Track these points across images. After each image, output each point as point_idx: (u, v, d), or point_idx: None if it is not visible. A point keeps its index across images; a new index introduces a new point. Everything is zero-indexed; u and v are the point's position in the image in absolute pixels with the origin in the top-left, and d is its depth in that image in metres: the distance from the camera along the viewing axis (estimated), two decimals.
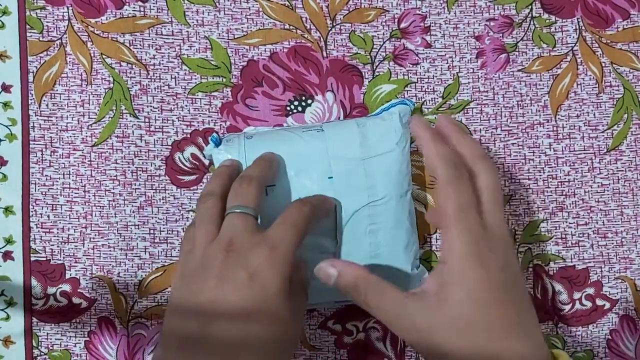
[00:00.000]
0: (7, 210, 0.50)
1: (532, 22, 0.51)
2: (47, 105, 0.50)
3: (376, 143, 0.46)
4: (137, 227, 0.50)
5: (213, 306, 0.38)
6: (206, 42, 0.50)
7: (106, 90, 0.50)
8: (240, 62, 0.50)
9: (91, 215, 0.49)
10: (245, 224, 0.40)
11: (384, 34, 0.50)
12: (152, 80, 0.50)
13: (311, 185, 0.45)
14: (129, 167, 0.50)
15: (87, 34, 0.50)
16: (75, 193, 0.50)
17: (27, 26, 0.50)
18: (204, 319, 0.38)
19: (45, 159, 0.50)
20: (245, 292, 0.38)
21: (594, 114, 0.51)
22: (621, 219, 0.50)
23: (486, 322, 0.37)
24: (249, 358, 0.38)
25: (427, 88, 0.51)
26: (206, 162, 0.50)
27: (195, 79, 0.50)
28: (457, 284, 0.38)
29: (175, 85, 0.50)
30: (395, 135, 0.46)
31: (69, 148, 0.50)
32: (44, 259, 0.50)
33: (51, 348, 0.50)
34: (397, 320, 0.39)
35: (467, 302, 0.37)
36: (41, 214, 0.50)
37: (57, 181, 0.50)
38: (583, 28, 0.51)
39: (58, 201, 0.50)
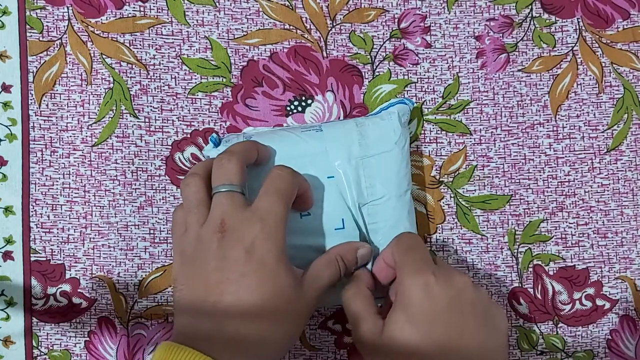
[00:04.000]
0: (7, 210, 0.50)
1: (532, 22, 0.51)
2: (47, 105, 0.50)
3: (375, 142, 0.46)
4: (137, 227, 0.50)
5: (216, 287, 0.39)
6: (206, 42, 0.50)
7: (106, 90, 0.50)
8: (240, 62, 0.50)
9: (91, 215, 0.49)
10: (233, 202, 0.40)
11: (384, 34, 0.50)
12: (152, 80, 0.50)
13: (311, 185, 0.45)
14: (129, 167, 0.50)
15: (87, 34, 0.50)
16: (75, 193, 0.50)
17: (27, 26, 0.50)
18: (210, 301, 0.39)
19: (45, 159, 0.50)
20: (244, 267, 0.39)
21: (594, 114, 0.51)
22: (621, 219, 0.50)
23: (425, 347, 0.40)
24: (256, 330, 0.39)
25: (427, 88, 0.51)
26: None
27: (195, 79, 0.50)
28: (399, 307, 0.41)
29: (175, 85, 0.50)
30: (394, 134, 0.46)
31: (69, 148, 0.50)
32: (44, 259, 0.50)
33: (51, 348, 0.50)
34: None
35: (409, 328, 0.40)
36: (41, 214, 0.50)
37: (57, 181, 0.50)
38: (583, 28, 0.51)
39: (58, 201, 0.50)
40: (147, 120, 0.50)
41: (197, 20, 0.50)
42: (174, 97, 0.50)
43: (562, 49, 0.51)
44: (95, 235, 0.49)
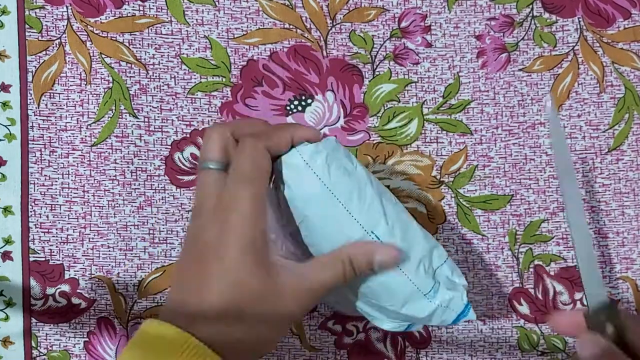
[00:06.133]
0: (6, 210, 0.50)
1: (533, 22, 0.50)
2: (46, 104, 0.50)
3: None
4: (136, 227, 0.49)
5: (188, 280, 0.37)
6: (206, 42, 0.50)
7: (105, 90, 0.49)
8: (240, 62, 0.50)
9: (90, 215, 0.49)
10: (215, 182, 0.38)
11: (384, 33, 0.50)
12: (152, 79, 0.50)
13: None
14: (128, 167, 0.49)
15: (86, 33, 0.50)
16: (75, 193, 0.49)
17: (26, 25, 0.50)
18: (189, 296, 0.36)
19: (44, 159, 0.50)
20: (207, 265, 0.36)
21: (595, 114, 0.50)
22: (622, 219, 0.50)
23: None
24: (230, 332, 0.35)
25: (428, 88, 0.50)
26: None
27: (195, 78, 0.50)
28: None
29: (175, 84, 0.50)
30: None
31: (68, 148, 0.49)
32: (43, 259, 0.49)
33: (50, 348, 0.49)
34: None
35: None
36: (40, 214, 0.49)
37: (56, 181, 0.49)
38: (584, 27, 0.51)
39: (57, 201, 0.49)
40: (146, 120, 0.50)
41: (196, 19, 0.50)
42: (174, 97, 0.50)
43: (563, 49, 0.51)
44: (95, 235, 0.49)
